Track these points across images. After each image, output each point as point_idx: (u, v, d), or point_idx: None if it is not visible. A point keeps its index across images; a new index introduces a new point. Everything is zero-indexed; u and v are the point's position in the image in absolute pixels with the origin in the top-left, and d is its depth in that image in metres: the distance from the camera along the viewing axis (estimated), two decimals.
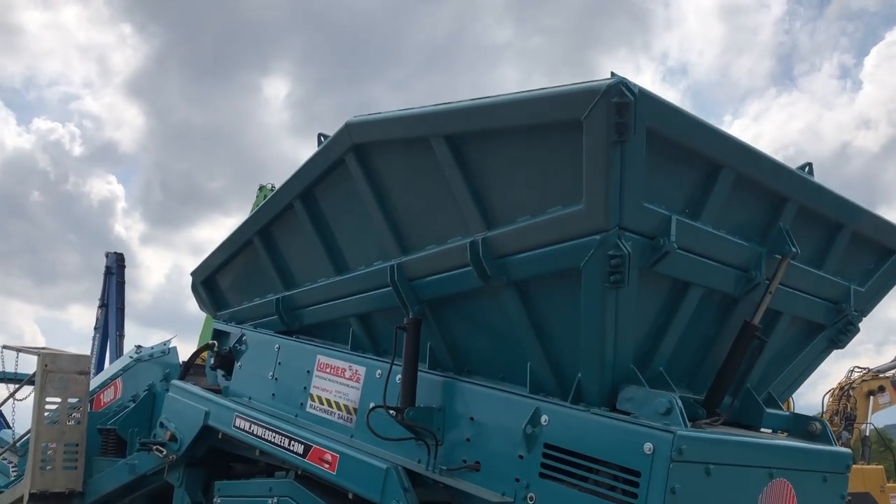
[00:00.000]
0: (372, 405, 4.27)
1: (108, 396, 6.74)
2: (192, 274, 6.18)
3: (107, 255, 24.70)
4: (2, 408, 7.79)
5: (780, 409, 4.14)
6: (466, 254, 3.65)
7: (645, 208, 3.13)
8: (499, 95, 3.37)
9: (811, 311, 4.13)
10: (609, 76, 2.91)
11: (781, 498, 3.50)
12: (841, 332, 4.30)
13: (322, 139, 4.34)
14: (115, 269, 24.13)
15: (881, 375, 16.96)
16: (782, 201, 3.67)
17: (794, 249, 3.64)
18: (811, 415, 4.15)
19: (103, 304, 23.98)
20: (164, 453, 5.21)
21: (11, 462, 7.44)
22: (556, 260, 3.33)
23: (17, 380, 7.52)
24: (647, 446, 3.09)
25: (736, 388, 3.87)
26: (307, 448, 4.30)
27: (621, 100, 2.84)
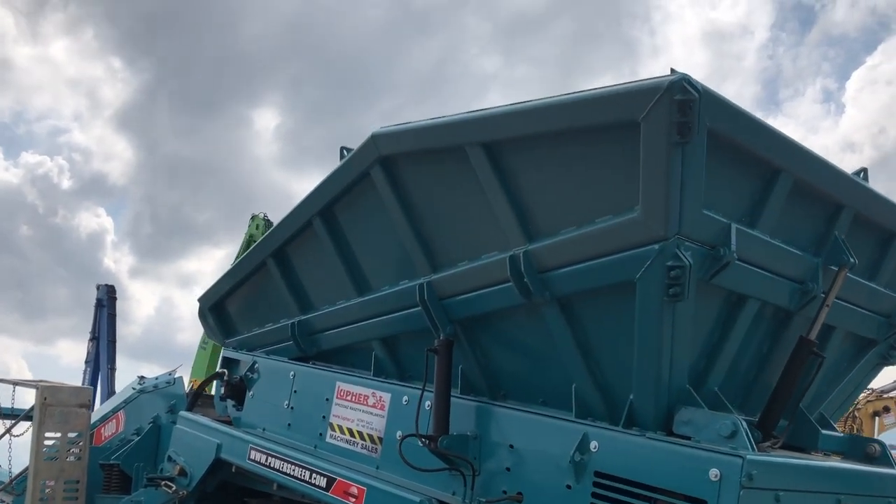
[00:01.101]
0: (399, 434, 4.02)
1: (109, 430, 6.46)
2: (200, 300, 5.93)
3: (97, 288, 24.31)
4: None
5: (834, 429, 3.92)
6: (505, 269, 3.43)
7: (704, 216, 2.93)
8: (540, 99, 3.17)
9: (863, 325, 3.92)
10: (669, 72, 2.72)
11: None
12: (892, 347, 4.10)
13: (345, 153, 4.13)
14: (107, 301, 23.74)
15: (885, 396, 16.78)
16: (838, 209, 3.48)
17: (851, 260, 3.44)
18: (869, 436, 3.92)
19: (94, 337, 23.55)
20: (174, 489, 4.92)
21: (5, 502, 7.10)
22: (606, 273, 3.11)
23: (13, 415, 7.20)
24: (714, 472, 2.84)
25: (791, 409, 3.64)
26: (330, 481, 4.04)
27: (684, 97, 2.65)
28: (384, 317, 4.29)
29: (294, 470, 4.27)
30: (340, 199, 4.27)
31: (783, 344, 3.58)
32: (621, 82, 2.87)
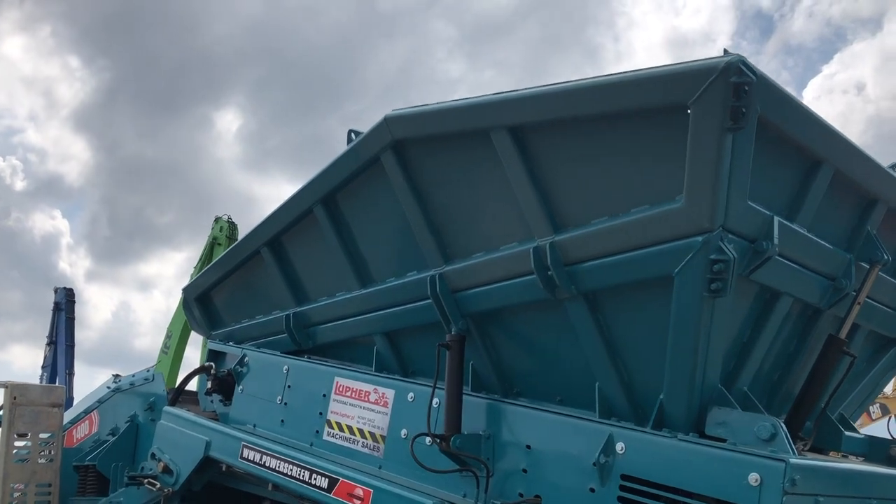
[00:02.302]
0: (404, 432, 3.83)
1: (81, 432, 6.19)
2: (185, 290, 5.68)
3: (55, 291, 23.68)
4: None
5: (856, 431, 3.81)
6: (528, 261, 3.25)
7: (749, 207, 2.78)
8: (574, 80, 2.99)
9: (887, 324, 3.82)
10: (722, 53, 2.55)
11: None
12: None
13: (353, 136, 3.91)
14: (65, 304, 23.12)
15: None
16: (872, 203, 3.36)
17: (886, 257, 3.33)
18: (889, 438, 3.83)
19: (52, 342, 22.90)
20: (158, 487, 4.67)
21: None
22: (639, 267, 2.95)
23: None
24: (754, 477, 2.70)
25: (814, 410, 3.52)
26: (333, 482, 3.83)
27: (741, 80, 2.48)
28: (389, 310, 4.09)
29: (292, 470, 4.06)
30: (345, 185, 4.05)
31: (810, 343, 3.47)
32: (665, 64, 2.70)
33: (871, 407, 14.15)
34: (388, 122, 3.64)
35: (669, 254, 2.82)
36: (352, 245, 4.20)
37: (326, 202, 4.18)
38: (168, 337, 17.62)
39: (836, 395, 3.62)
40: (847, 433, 3.67)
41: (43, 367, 22.83)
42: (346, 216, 4.17)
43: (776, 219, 2.87)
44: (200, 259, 17.25)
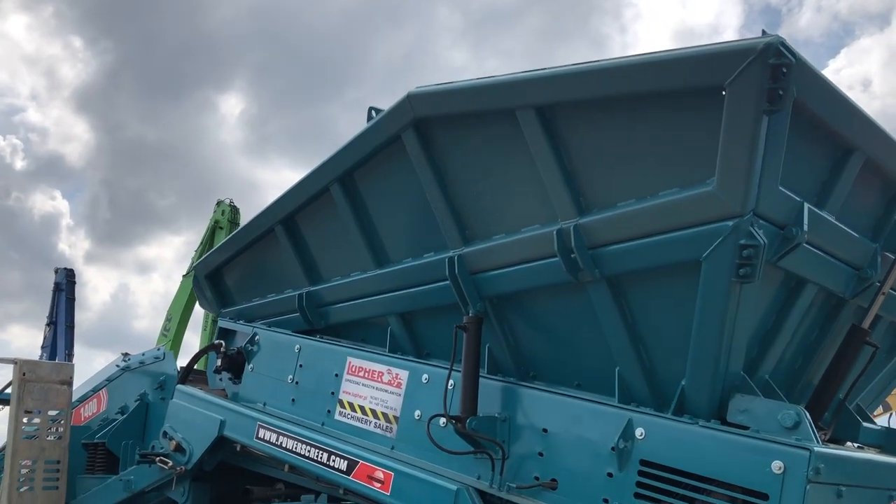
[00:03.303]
0: (418, 413, 3.81)
1: (89, 410, 6.16)
2: (196, 267, 5.65)
3: (56, 271, 23.67)
4: None
5: (872, 422, 3.79)
6: (551, 243, 3.21)
7: (780, 193, 2.74)
8: (604, 60, 2.94)
9: None
10: (760, 34, 2.51)
11: None
12: None
13: (374, 113, 3.86)
14: (65, 285, 23.09)
15: None
16: None
17: None
18: None
19: (52, 322, 22.90)
20: (170, 465, 4.65)
21: None
22: (668, 251, 2.91)
23: None
24: (777, 465, 2.68)
25: (837, 401, 3.50)
26: (352, 464, 3.80)
27: (779, 61, 2.44)
28: (405, 291, 4.06)
29: (310, 451, 4.04)
30: (363, 164, 4.01)
31: (832, 332, 3.44)
32: (698, 44, 2.65)
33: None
34: (410, 100, 3.59)
35: (698, 238, 2.79)
36: (368, 225, 4.16)
37: (343, 181, 4.14)
38: (168, 320, 17.63)
39: (855, 385, 3.60)
40: (865, 424, 3.65)
41: (42, 348, 22.87)
42: (364, 195, 4.13)
43: (806, 205, 2.84)
44: (202, 243, 17.21)
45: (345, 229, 4.26)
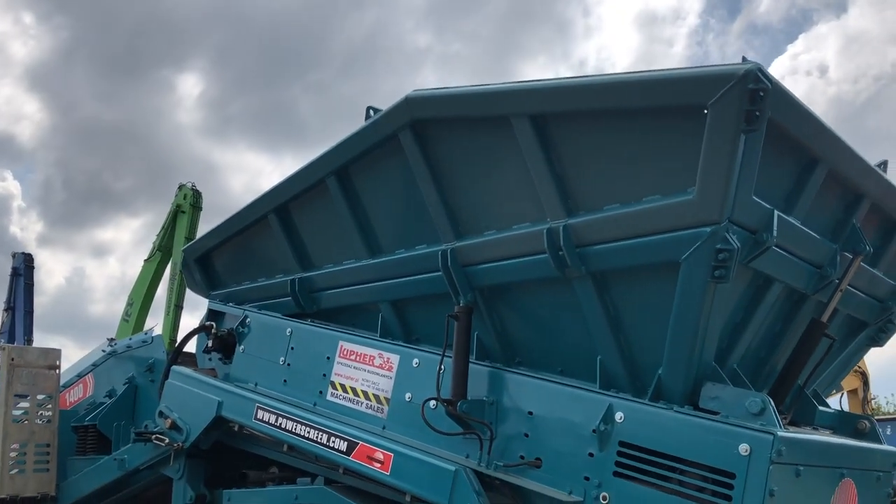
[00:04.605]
0: (408, 396, 4.05)
1: (75, 395, 6.32)
2: (185, 251, 5.80)
3: (13, 256, 23.36)
4: None
5: (828, 406, 4.13)
6: (540, 241, 3.46)
7: (753, 202, 3.01)
8: (595, 76, 3.18)
9: (861, 309, 4.12)
10: (741, 60, 2.76)
11: (848, 498, 3.48)
12: (881, 330, 4.33)
13: (371, 112, 4.05)
14: (23, 270, 22.82)
15: None
16: (859, 198, 3.63)
17: (868, 248, 3.60)
18: (856, 413, 4.15)
19: (9, 307, 22.64)
20: (166, 442, 4.83)
21: None
22: (649, 252, 3.17)
23: None
24: (744, 447, 2.98)
25: (797, 387, 3.82)
26: (352, 445, 4.01)
27: (757, 86, 2.70)
28: (396, 280, 4.27)
29: (309, 432, 4.23)
30: (360, 159, 4.19)
31: (794, 325, 3.75)
32: (686, 66, 2.90)
33: None
34: (408, 102, 3.79)
35: (678, 241, 3.05)
36: (362, 216, 4.36)
37: (339, 174, 4.32)
38: (130, 304, 17.53)
39: (813, 374, 3.93)
40: (821, 408, 3.98)
41: (0, 334, 22.62)
42: (359, 188, 4.32)
43: (776, 212, 3.11)
44: (163, 227, 17.06)
45: (339, 220, 4.44)
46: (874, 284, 4.06)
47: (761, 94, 2.71)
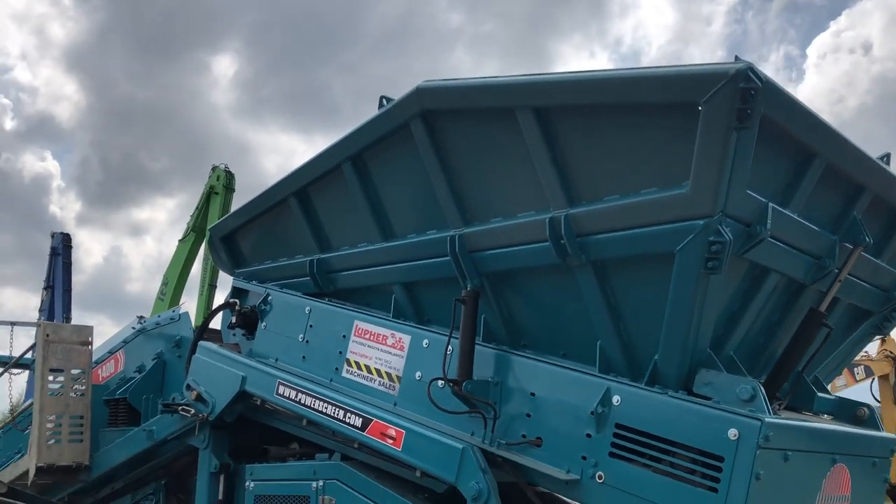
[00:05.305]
0: (418, 375, 4.21)
1: (107, 371, 6.57)
2: (211, 230, 6.00)
3: (52, 236, 24.04)
4: None
5: (828, 393, 4.21)
6: (543, 229, 3.58)
7: (747, 195, 3.10)
8: (596, 71, 3.27)
9: (864, 298, 4.18)
10: (733, 59, 2.84)
11: (840, 483, 3.57)
12: (886, 318, 4.37)
13: (384, 102, 4.18)
14: (62, 249, 23.47)
15: None
16: (860, 190, 3.68)
17: (867, 239, 3.66)
18: (856, 400, 4.23)
19: (49, 286, 23.31)
20: (192, 413, 5.07)
21: None
22: (646, 242, 3.28)
23: (2, 363, 7.27)
24: (732, 432, 3.10)
25: (795, 374, 3.91)
26: (366, 421, 4.20)
27: (748, 86, 2.78)
28: (408, 263, 4.42)
29: (326, 408, 4.41)
30: (373, 146, 4.33)
31: (793, 314, 3.82)
32: (683, 64, 2.98)
33: (855, 369, 14.72)
34: (419, 93, 3.91)
35: (672, 233, 3.15)
36: (376, 201, 4.51)
37: (354, 160, 4.46)
38: (164, 284, 17.93)
39: (812, 360, 4.01)
40: (820, 394, 4.06)
41: (40, 311, 23.33)
42: (373, 174, 4.46)
43: (770, 205, 3.19)
44: (197, 208, 17.37)
45: (354, 204, 4.60)
46: (878, 274, 4.11)
47: (752, 92, 2.78)
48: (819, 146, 3.30)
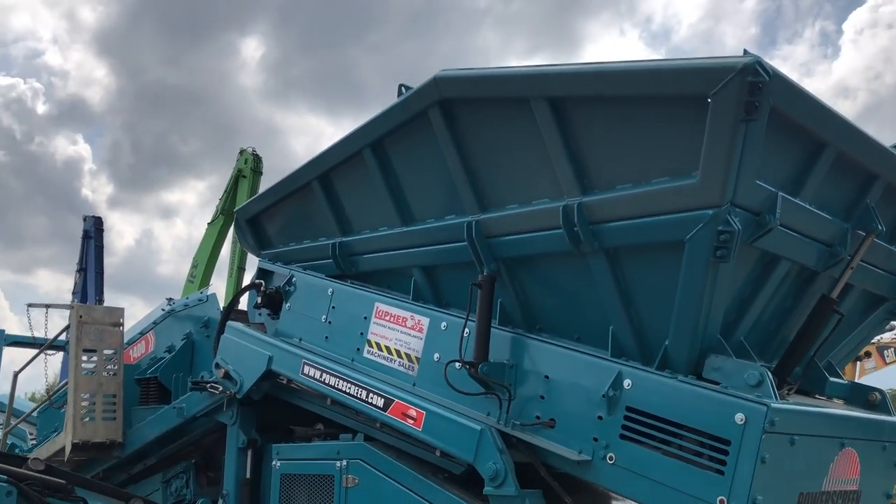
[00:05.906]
0: (437, 356, 4.32)
1: (138, 351, 6.78)
2: (237, 212, 6.16)
3: (84, 219, 24.52)
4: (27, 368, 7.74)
5: (840, 377, 4.26)
6: (557, 217, 3.65)
7: (756, 185, 3.15)
8: (610, 62, 3.33)
9: (879, 284, 4.21)
10: (742, 53, 2.88)
11: (849, 466, 3.64)
12: None
13: (403, 90, 4.27)
14: (94, 233, 23.94)
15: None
16: (872, 179, 3.70)
17: (880, 227, 3.69)
18: (868, 385, 4.28)
19: (81, 269, 23.81)
20: (220, 390, 5.25)
21: (29, 432, 7.39)
22: (657, 231, 3.35)
23: (38, 344, 7.53)
24: (739, 417, 3.17)
25: (807, 359, 3.96)
26: (388, 401, 4.33)
27: (756, 79, 2.83)
28: (427, 247, 4.53)
29: (350, 388, 4.53)
30: (393, 133, 4.43)
31: (805, 300, 3.87)
32: (694, 57, 3.03)
33: (885, 351, 14.63)
34: (437, 82, 3.99)
35: (683, 222, 3.22)
36: (396, 187, 4.61)
37: (375, 147, 4.56)
38: (194, 266, 18.22)
39: (823, 346, 4.06)
40: (832, 379, 4.12)
41: (73, 293, 23.87)
42: (393, 161, 4.56)
43: (780, 195, 3.24)
44: (226, 191, 17.58)
45: (374, 189, 4.70)
46: (892, 261, 4.14)
47: (760, 85, 2.83)
48: (829, 136, 3.33)
